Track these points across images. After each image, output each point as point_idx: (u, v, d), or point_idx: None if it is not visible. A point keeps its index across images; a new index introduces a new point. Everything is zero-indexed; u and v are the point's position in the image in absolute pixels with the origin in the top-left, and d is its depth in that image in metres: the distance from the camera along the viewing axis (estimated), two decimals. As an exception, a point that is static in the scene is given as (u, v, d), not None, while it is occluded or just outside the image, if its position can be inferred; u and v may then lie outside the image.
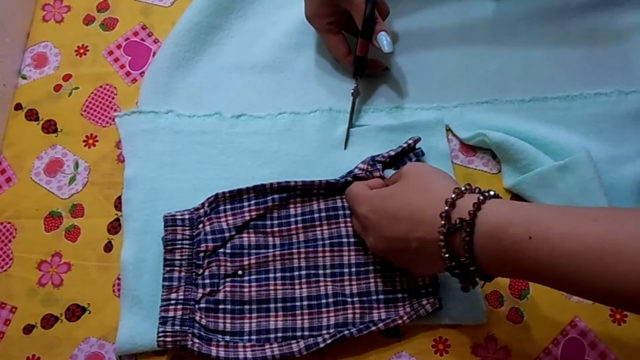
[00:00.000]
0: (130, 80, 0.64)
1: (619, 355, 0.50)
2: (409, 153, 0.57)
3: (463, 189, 0.43)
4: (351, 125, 0.59)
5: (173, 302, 0.51)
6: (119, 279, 0.55)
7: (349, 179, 0.54)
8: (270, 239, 0.54)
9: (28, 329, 0.54)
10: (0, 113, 0.62)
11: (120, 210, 0.57)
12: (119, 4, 0.68)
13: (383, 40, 0.55)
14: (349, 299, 0.51)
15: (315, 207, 0.55)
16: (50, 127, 0.62)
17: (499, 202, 0.42)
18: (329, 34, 0.59)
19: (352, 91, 0.59)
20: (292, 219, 0.55)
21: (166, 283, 0.52)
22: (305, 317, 0.51)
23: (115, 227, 0.57)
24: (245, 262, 0.53)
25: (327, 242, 0.53)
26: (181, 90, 0.62)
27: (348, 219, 0.54)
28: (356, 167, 0.55)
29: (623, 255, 0.35)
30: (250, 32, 0.65)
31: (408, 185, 0.47)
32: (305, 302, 0.52)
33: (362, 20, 0.54)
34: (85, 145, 0.61)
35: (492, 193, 0.42)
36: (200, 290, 0.52)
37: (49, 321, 0.54)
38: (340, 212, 0.54)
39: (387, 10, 0.58)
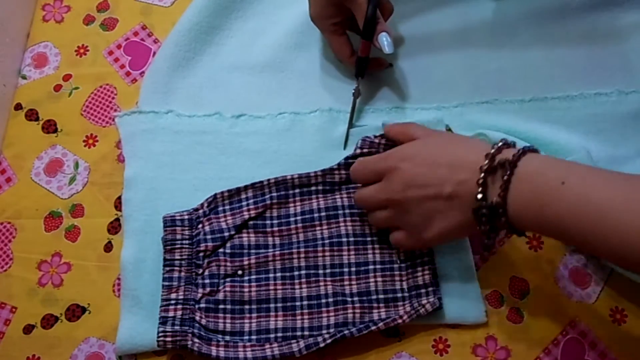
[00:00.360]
0: (130, 80, 0.64)
1: (619, 355, 0.50)
2: None
3: (504, 143, 0.44)
4: (351, 125, 0.59)
5: (173, 302, 0.51)
6: (119, 279, 0.55)
7: (343, 170, 0.55)
8: (270, 238, 0.54)
9: (28, 329, 0.54)
10: (0, 113, 0.62)
11: (120, 210, 0.57)
12: (119, 4, 0.68)
13: (384, 40, 0.54)
14: (349, 299, 0.51)
15: (315, 206, 0.55)
16: (50, 127, 0.62)
17: (540, 154, 0.44)
18: (333, 34, 0.59)
19: (353, 91, 0.59)
20: (292, 219, 0.55)
21: (166, 283, 0.52)
22: (305, 316, 0.51)
23: (115, 227, 0.57)
24: (245, 262, 0.53)
25: (326, 241, 0.53)
26: (181, 90, 0.62)
27: (348, 218, 0.54)
28: (356, 149, 0.55)
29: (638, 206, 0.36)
30: (250, 32, 0.65)
31: (443, 137, 0.50)
32: (305, 302, 0.52)
33: (363, 21, 0.54)
34: (85, 145, 0.61)
35: (533, 148, 0.44)
36: (200, 290, 0.52)
37: (49, 321, 0.54)
38: (340, 212, 0.54)
39: (391, 10, 0.58)
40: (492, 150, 0.43)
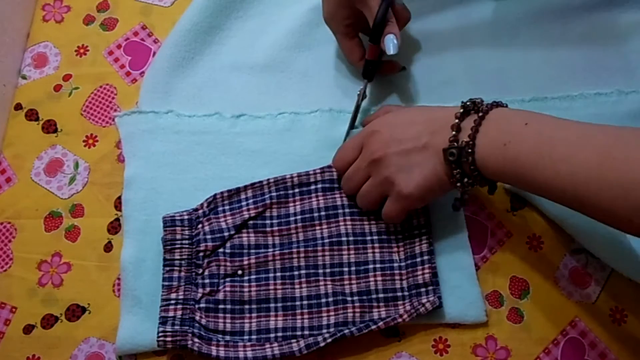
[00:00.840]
0: (130, 80, 0.64)
1: (619, 355, 0.50)
2: None
3: (480, 99, 0.48)
4: (352, 126, 0.59)
5: (173, 302, 0.51)
6: (119, 279, 0.55)
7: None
8: (270, 238, 0.54)
9: (28, 329, 0.54)
10: (0, 113, 0.62)
11: (120, 210, 0.57)
12: (119, 4, 0.68)
13: (389, 42, 0.54)
14: (349, 298, 0.51)
15: (314, 205, 0.55)
16: (50, 127, 0.62)
17: (513, 109, 0.48)
18: (345, 37, 0.59)
19: (359, 93, 0.58)
20: (292, 218, 0.55)
21: (166, 283, 0.52)
22: (305, 316, 0.51)
23: (115, 227, 0.57)
24: (245, 262, 0.53)
25: (326, 241, 0.53)
26: (181, 90, 0.62)
27: (347, 218, 0.54)
28: None
29: (592, 142, 0.40)
30: (250, 32, 0.65)
31: (418, 107, 0.55)
32: (305, 302, 0.52)
33: (372, 23, 0.54)
34: (85, 145, 0.61)
35: (505, 104, 0.48)
36: (200, 290, 0.52)
37: (49, 321, 0.54)
38: (340, 211, 0.54)
39: (407, 17, 0.58)
40: (468, 101, 0.47)
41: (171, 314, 0.50)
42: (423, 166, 0.48)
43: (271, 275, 0.53)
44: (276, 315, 0.52)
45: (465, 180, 0.47)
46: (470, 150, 0.45)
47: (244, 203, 0.55)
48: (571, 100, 0.59)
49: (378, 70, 0.58)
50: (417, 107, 0.55)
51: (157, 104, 0.61)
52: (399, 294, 0.52)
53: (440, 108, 0.51)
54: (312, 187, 0.55)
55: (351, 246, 0.53)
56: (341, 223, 0.54)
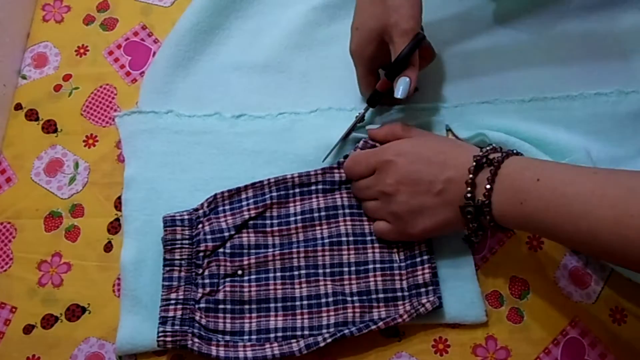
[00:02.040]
0: (130, 80, 0.64)
1: (619, 355, 0.50)
2: None
3: (491, 148, 0.48)
4: (339, 143, 0.57)
5: (173, 302, 0.51)
6: (119, 279, 0.55)
7: (342, 161, 0.55)
8: (270, 238, 0.54)
9: (28, 329, 0.54)
10: (0, 113, 0.62)
11: (120, 210, 0.57)
12: (119, 4, 0.68)
13: (400, 84, 0.53)
14: (349, 298, 0.51)
15: (314, 205, 0.55)
16: (50, 127, 0.62)
17: (520, 156, 0.48)
18: (366, 70, 0.57)
19: (357, 115, 0.58)
20: (292, 218, 0.55)
21: (166, 283, 0.52)
22: (305, 316, 0.51)
23: (115, 227, 0.57)
24: (245, 262, 0.53)
25: (326, 241, 0.53)
26: (181, 90, 0.62)
27: (347, 218, 0.54)
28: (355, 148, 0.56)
29: (607, 198, 0.40)
30: (250, 32, 0.65)
31: (435, 137, 0.54)
32: (305, 302, 0.52)
33: (395, 60, 0.53)
34: (85, 145, 0.61)
35: (515, 151, 0.48)
36: (200, 290, 0.52)
37: (49, 321, 0.54)
38: (340, 211, 0.54)
39: (433, 56, 0.57)
40: (480, 153, 0.47)
41: (171, 314, 0.50)
42: (435, 213, 0.49)
43: (271, 275, 0.53)
44: (276, 315, 0.52)
45: (480, 232, 0.48)
46: (487, 209, 0.45)
47: (244, 203, 0.55)
48: (571, 100, 0.59)
49: (382, 99, 0.57)
50: (434, 140, 0.53)
51: (157, 104, 0.61)
52: (399, 294, 0.52)
53: (456, 146, 0.51)
54: (313, 187, 0.55)
55: (351, 246, 0.53)
56: (341, 223, 0.54)
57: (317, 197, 0.55)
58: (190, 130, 0.60)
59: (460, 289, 0.52)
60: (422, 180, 0.49)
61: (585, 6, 0.63)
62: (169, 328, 0.50)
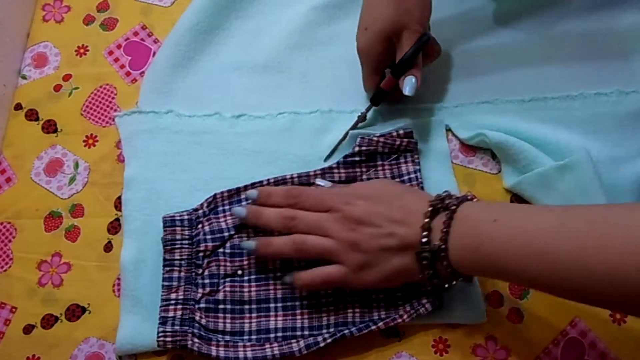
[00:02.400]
0: (130, 80, 0.64)
1: (619, 355, 0.50)
2: (404, 151, 0.56)
3: (446, 194, 0.47)
4: (341, 142, 0.58)
5: (173, 302, 0.51)
6: (119, 279, 0.55)
7: (342, 169, 0.55)
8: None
9: (28, 329, 0.54)
10: (0, 113, 0.62)
11: (120, 210, 0.57)
12: (119, 4, 0.68)
13: (409, 83, 0.53)
14: (349, 298, 0.51)
15: None
16: (50, 127, 0.62)
17: (476, 201, 0.47)
18: (371, 70, 0.57)
19: (359, 115, 0.58)
20: None
21: (166, 283, 0.52)
22: (305, 316, 0.51)
23: (115, 227, 0.57)
24: (245, 262, 0.53)
25: None
26: (181, 90, 0.62)
27: None
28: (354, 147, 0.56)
29: (568, 232, 0.39)
30: (250, 32, 0.65)
31: (392, 182, 0.53)
32: (305, 302, 0.52)
33: (399, 59, 0.54)
34: (85, 145, 0.61)
35: (470, 197, 0.47)
36: (200, 290, 0.52)
37: (49, 321, 0.54)
38: None
39: (439, 51, 0.58)
40: (435, 198, 0.47)
41: (171, 314, 0.50)
42: (392, 259, 0.47)
43: (271, 275, 0.53)
44: (276, 316, 0.52)
45: (435, 280, 0.46)
46: (444, 254, 0.44)
47: (244, 203, 0.55)
48: (571, 100, 0.59)
49: (385, 98, 0.58)
50: (390, 184, 0.52)
51: (157, 104, 0.61)
52: (399, 294, 0.51)
53: (413, 192, 0.50)
54: (312, 187, 0.55)
55: None
56: None
57: None
58: (190, 130, 0.60)
59: (461, 290, 0.52)
60: (382, 224, 0.47)
61: (585, 6, 0.63)
62: (168, 328, 0.50)
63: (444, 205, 0.46)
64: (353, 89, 0.59)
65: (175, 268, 0.52)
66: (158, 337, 0.49)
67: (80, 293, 0.55)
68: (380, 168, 0.55)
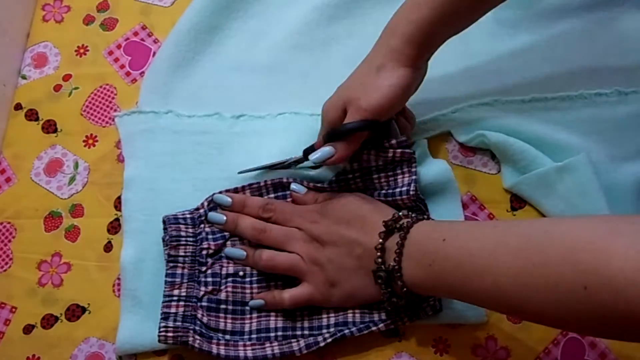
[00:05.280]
0: (130, 80, 0.64)
1: (619, 355, 0.50)
2: (400, 162, 0.53)
3: (402, 213, 0.48)
4: (263, 168, 0.56)
5: (175, 298, 0.51)
6: (119, 279, 0.55)
7: (335, 187, 0.54)
8: None
9: (28, 329, 0.54)
10: (0, 113, 0.62)
11: (120, 210, 0.57)
12: (119, 4, 0.68)
13: (321, 151, 0.51)
14: None
15: None
16: (50, 127, 0.62)
17: (430, 220, 0.48)
18: (327, 129, 0.53)
19: (294, 158, 0.55)
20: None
21: (169, 279, 0.52)
22: (306, 316, 0.51)
23: (115, 227, 0.57)
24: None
25: None
26: (181, 90, 0.62)
27: None
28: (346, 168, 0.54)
29: (509, 249, 0.39)
30: (251, 33, 0.65)
31: (356, 199, 0.52)
32: None
33: (338, 129, 0.51)
34: (85, 145, 0.61)
35: (426, 216, 0.49)
36: (203, 288, 0.52)
37: (49, 321, 0.54)
38: None
39: (414, 118, 0.56)
40: (389, 219, 0.47)
41: (173, 310, 0.50)
42: (353, 277, 0.49)
43: (272, 276, 0.53)
44: (276, 316, 0.52)
45: (394, 299, 0.47)
46: (398, 274, 0.45)
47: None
48: (571, 100, 0.58)
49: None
50: (353, 202, 0.51)
51: (157, 104, 0.61)
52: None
53: (375, 210, 0.50)
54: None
55: None
56: None
57: None
58: (190, 130, 0.60)
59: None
60: (343, 243, 0.49)
61: (586, 6, 0.63)
62: (170, 324, 0.50)
63: (397, 226, 0.47)
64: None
65: (179, 265, 0.52)
66: (159, 332, 0.49)
67: (80, 293, 0.55)
68: (376, 181, 0.53)
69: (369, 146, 0.53)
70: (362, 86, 0.50)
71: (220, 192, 0.55)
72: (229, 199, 0.54)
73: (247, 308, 0.52)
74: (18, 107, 0.63)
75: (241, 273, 0.53)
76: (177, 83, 0.62)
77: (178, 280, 0.52)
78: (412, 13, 0.48)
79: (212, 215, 0.53)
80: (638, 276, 0.32)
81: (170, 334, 0.49)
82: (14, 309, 0.55)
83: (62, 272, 0.56)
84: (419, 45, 0.49)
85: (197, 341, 0.49)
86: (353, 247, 0.49)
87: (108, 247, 0.56)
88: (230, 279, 0.52)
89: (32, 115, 0.63)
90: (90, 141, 0.61)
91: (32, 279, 0.56)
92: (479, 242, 0.41)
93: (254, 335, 0.51)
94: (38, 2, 0.69)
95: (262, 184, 0.55)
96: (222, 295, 0.52)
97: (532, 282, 0.37)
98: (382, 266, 0.46)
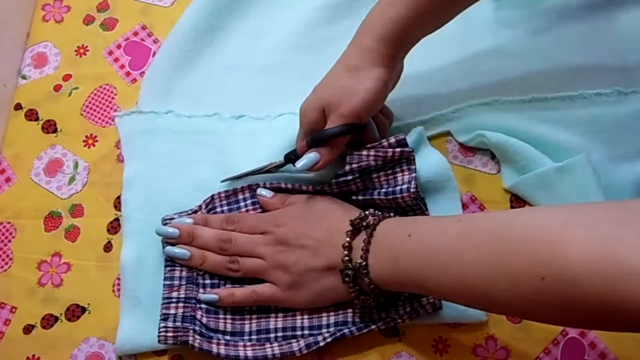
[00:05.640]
0: (130, 80, 0.64)
1: (619, 355, 0.50)
2: (399, 160, 0.52)
3: (369, 212, 0.49)
4: (248, 174, 0.56)
5: (174, 300, 0.51)
6: (119, 279, 0.55)
7: (335, 189, 0.53)
8: None
9: (28, 329, 0.54)
10: (0, 113, 0.62)
11: (120, 210, 0.57)
12: (119, 4, 0.68)
13: (306, 157, 0.50)
14: (349, 302, 0.51)
15: None
16: (50, 127, 0.62)
17: (396, 218, 0.49)
18: (304, 133, 0.54)
19: (274, 163, 0.55)
20: None
21: (167, 282, 0.52)
22: (305, 316, 0.51)
23: (115, 227, 0.57)
24: None
25: None
26: (181, 90, 0.62)
27: None
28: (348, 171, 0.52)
29: (471, 242, 0.39)
30: (251, 33, 0.65)
31: (322, 201, 0.52)
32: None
33: (317, 134, 0.51)
34: (85, 145, 0.61)
35: (392, 214, 0.50)
36: (201, 290, 0.52)
37: (48, 321, 0.54)
38: None
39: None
40: (356, 218, 0.48)
41: (172, 311, 0.50)
42: (320, 278, 0.49)
43: None
44: (276, 316, 0.52)
45: (362, 297, 0.47)
46: (365, 271, 0.45)
47: (242, 204, 0.55)
48: (571, 100, 0.58)
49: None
50: (319, 204, 0.52)
51: (157, 104, 0.61)
52: (399, 294, 0.51)
53: (341, 210, 0.51)
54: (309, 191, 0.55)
55: None
56: None
57: None
58: (190, 130, 0.60)
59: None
60: (311, 245, 0.49)
61: (586, 6, 0.63)
62: (170, 324, 0.50)
63: (364, 224, 0.47)
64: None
65: (177, 267, 0.52)
66: (159, 332, 0.49)
67: (80, 293, 0.55)
68: (376, 180, 0.53)
69: (364, 148, 0.52)
70: (340, 90, 0.50)
71: (219, 193, 0.55)
72: (189, 220, 0.53)
73: (247, 309, 0.52)
74: (18, 107, 0.63)
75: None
76: (177, 83, 0.62)
77: (176, 282, 0.52)
78: (386, 12, 0.48)
79: (162, 229, 0.53)
80: (593, 267, 0.32)
81: (170, 334, 0.49)
82: (14, 309, 0.55)
83: (62, 272, 0.56)
84: (394, 45, 0.49)
85: (197, 341, 0.49)
86: (320, 247, 0.49)
87: (108, 247, 0.56)
88: (228, 281, 0.52)
89: (32, 115, 0.63)
90: (90, 141, 0.61)
91: (32, 279, 0.56)
92: (443, 237, 0.41)
93: (254, 336, 0.51)
94: (38, 2, 0.69)
95: (261, 185, 0.55)
96: None
97: (494, 273, 0.37)
98: (349, 264, 0.46)
